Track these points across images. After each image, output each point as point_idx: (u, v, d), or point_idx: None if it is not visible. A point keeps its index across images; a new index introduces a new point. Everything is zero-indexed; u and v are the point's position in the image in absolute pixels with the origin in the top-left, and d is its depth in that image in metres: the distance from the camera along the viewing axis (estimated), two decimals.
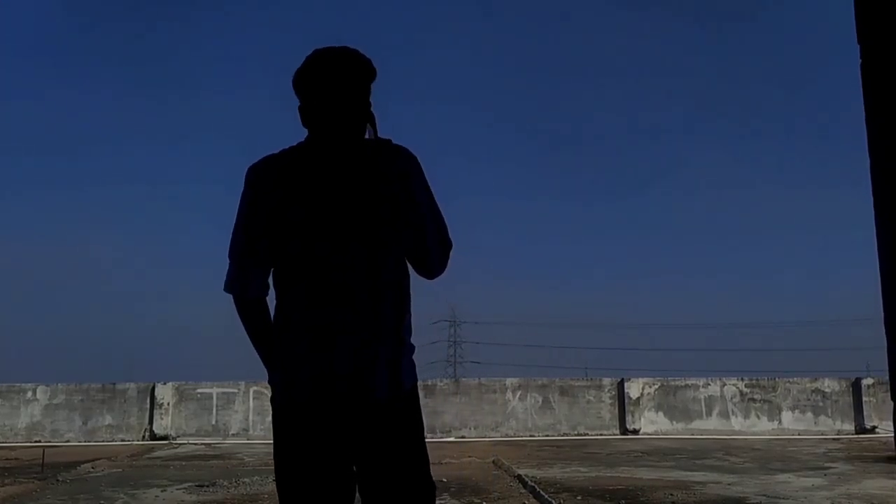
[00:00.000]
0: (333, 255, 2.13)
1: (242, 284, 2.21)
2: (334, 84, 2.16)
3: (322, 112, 2.18)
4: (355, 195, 2.17)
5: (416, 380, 2.27)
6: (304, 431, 2.13)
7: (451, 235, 2.31)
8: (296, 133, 2.27)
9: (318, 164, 2.19)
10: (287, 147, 2.25)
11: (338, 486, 2.14)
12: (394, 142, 2.25)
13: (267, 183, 2.18)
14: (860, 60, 1.97)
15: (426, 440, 2.28)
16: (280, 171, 2.20)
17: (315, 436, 2.12)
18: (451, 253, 2.31)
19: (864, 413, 15.93)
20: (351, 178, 2.18)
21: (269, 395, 2.25)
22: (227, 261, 2.24)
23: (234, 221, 2.23)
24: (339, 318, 2.11)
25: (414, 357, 2.28)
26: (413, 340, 2.30)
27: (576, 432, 15.81)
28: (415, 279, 2.31)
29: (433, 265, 2.28)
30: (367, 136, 2.23)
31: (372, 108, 2.22)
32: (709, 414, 16.14)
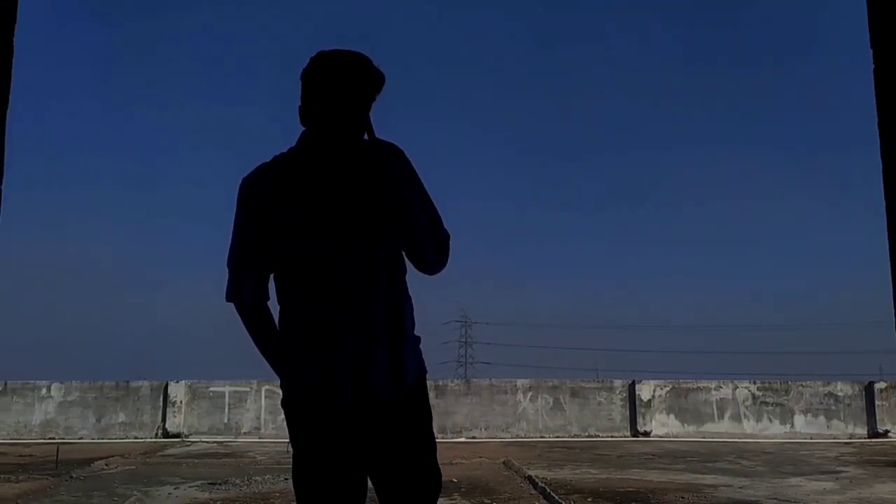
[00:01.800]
0: (335, 255, 2.16)
1: (239, 291, 2.27)
2: (344, 86, 2.19)
3: (326, 112, 2.21)
4: (356, 195, 2.21)
5: (422, 373, 2.30)
6: (311, 431, 2.17)
7: (446, 226, 2.33)
8: (286, 137, 2.32)
9: (315, 165, 2.23)
10: (279, 153, 2.29)
11: (349, 483, 2.17)
12: (384, 140, 2.28)
13: (259, 191, 2.23)
14: (873, 66, 1.98)
15: (434, 435, 2.31)
16: (272, 177, 2.24)
17: (322, 435, 2.16)
18: (451, 244, 2.34)
19: (877, 417, 15.82)
20: (352, 178, 2.22)
21: (281, 396, 2.29)
22: (227, 271, 2.30)
23: (231, 231, 2.29)
24: (340, 319, 2.15)
25: (421, 348, 2.32)
26: (423, 341, 2.33)
27: (586, 434, 15.78)
28: (421, 277, 2.35)
29: (431, 262, 2.32)
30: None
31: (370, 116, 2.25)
32: (720, 417, 16.08)
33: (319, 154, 2.24)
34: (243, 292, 2.26)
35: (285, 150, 2.30)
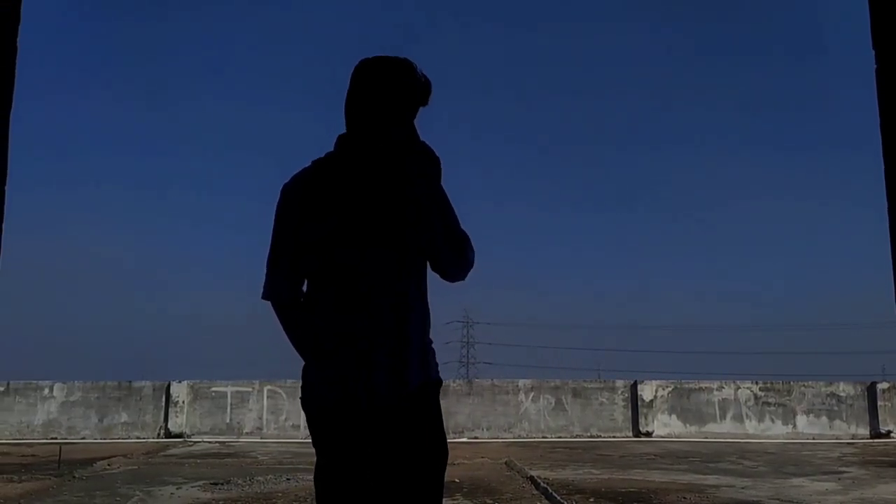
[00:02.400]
0: (361, 262, 2.20)
1: (275, 291, 2.33)
2: (381, 91, 2.24)
3: (363, 116, 2.26)
4: (383, 200, 2.24)
5: (429, 379, 2.29)
6: (327, 433, 2.22)
7: (463, 228, 2.35)
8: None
9: (348, 172, 2.26)
10: (317, 158, 2.33)
11: (357, 486, 2.19)
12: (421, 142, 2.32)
13: (299, 196, 2.28)
14: (875, 66, 1.97)
15: (443, 442, 2.30)
16: (312, 182, 2.29)
17: (343, 440, 2.20)
18: (472, 244, 2.37)
19: (880, 417, 15.81)
20: (379, 182, 2.25)
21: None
22: (265, 269, 2.36)
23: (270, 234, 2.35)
24: (360, 325, 2.19)
25: (433, 351, 2.33)
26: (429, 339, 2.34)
27: (588, 434, 15.78)
28: (433, 281, 2.36)
29: (446, 264, 2.34)
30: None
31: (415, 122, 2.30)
32: (723, 417, 16.06)
33: (355, 158, 2.27)
34: (280, 293, 2.32)
35: (323, 156, 2.33)
